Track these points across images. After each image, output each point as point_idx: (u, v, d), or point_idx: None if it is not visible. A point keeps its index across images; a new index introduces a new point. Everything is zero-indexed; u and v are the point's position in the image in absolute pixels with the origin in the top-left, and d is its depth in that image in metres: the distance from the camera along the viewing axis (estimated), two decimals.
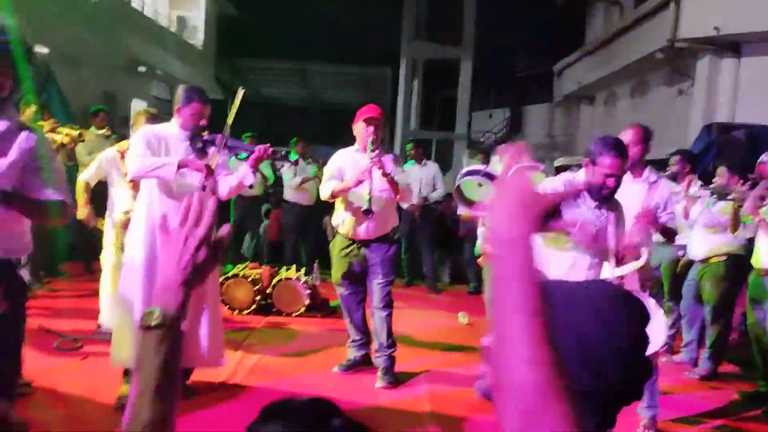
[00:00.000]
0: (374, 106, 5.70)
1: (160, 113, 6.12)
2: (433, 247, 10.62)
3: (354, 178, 5.45)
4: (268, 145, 4.69)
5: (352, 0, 22.65)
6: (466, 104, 22.33)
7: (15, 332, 3.29)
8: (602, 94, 21.57)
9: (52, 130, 6.68)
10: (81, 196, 6.28)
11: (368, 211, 5.40)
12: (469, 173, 3.23)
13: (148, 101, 17.19)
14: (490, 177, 3.08)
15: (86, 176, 6.29)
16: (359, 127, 5.60)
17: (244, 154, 4.84)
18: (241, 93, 4.62)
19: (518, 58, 27.41)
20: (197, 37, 22.33)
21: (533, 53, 26.15)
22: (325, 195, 5.65)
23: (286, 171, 10.53)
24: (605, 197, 4.20)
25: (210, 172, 4.54)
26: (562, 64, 23.57)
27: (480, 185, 3.13)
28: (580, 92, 22.54)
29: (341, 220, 5.79)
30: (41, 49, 10.88)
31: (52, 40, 11.40)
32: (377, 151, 5.46)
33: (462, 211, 8.26)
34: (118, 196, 6.17)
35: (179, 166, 4.46)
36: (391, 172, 5.53)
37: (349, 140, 5.79)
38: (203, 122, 4.69)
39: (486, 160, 8.91)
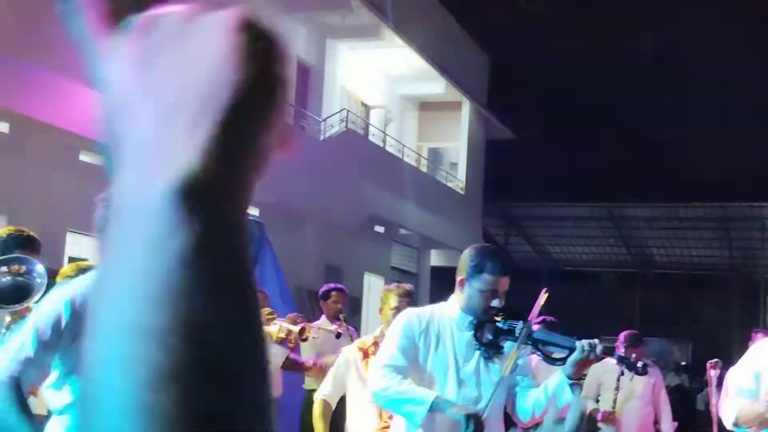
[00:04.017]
0: None
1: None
2: None
3: None
4: (596, 340, 3.44)
5: (692, 94, 14.49)
6: None
7: None
8: None
9: (267, 321, 5.93)
10: (319, 424, 5.05)
11: None
12: None
13: (385, 276, 13.65)
14: None
15: (326, 391, 5.17)
16: None
17: (559, 352, 3.55)
18: (544, 297, 3.70)
19: None
20: (457, 176, 17.49)
21: None
22: None
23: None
24: None
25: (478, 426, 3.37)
26: None
27: None
28: None
29: None
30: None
31: (261, 196, 8.84)
32: None
33: None
34: (357, 419, 4.99)
35: (432, 409, 3.47)
36: None
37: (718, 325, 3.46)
38: (497, 302, 3.69)
39: None
